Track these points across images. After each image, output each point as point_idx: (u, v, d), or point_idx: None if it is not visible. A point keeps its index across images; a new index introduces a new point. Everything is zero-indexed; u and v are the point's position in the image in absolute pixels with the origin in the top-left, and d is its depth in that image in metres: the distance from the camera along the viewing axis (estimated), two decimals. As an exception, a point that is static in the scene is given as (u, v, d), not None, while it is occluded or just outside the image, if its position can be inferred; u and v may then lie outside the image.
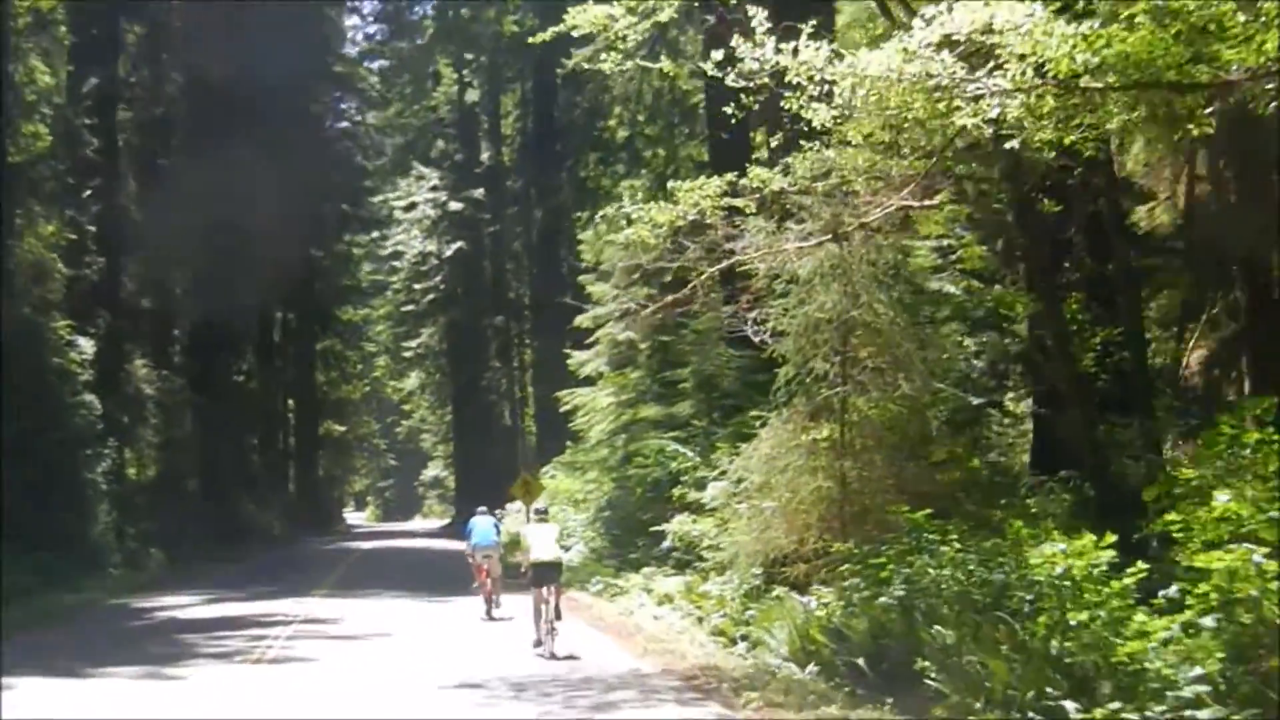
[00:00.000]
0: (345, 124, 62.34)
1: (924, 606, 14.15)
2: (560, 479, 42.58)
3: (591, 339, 37.99)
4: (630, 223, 19.75)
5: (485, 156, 65.43)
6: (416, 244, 63.94)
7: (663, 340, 33.01)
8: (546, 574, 17.58)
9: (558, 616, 17.72)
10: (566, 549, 26.23)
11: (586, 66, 33.48)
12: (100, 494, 35.36)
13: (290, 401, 75.39)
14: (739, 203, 18.87)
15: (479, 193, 62.17)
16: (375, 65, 72.42)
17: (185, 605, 26.08)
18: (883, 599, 14.61)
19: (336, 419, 79.93)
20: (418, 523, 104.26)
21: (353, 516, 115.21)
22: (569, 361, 38.92)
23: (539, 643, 17.73)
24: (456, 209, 61.18)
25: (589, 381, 38.15)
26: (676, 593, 22.35)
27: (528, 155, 63.52)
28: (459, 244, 61.66)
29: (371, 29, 76.02)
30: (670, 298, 20.60)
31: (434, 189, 62.38)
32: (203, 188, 44.84)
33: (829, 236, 18.89)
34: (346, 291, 71.11)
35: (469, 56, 63.19)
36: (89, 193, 40.51)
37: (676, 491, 24.45)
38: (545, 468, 46.87)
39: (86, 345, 36.55)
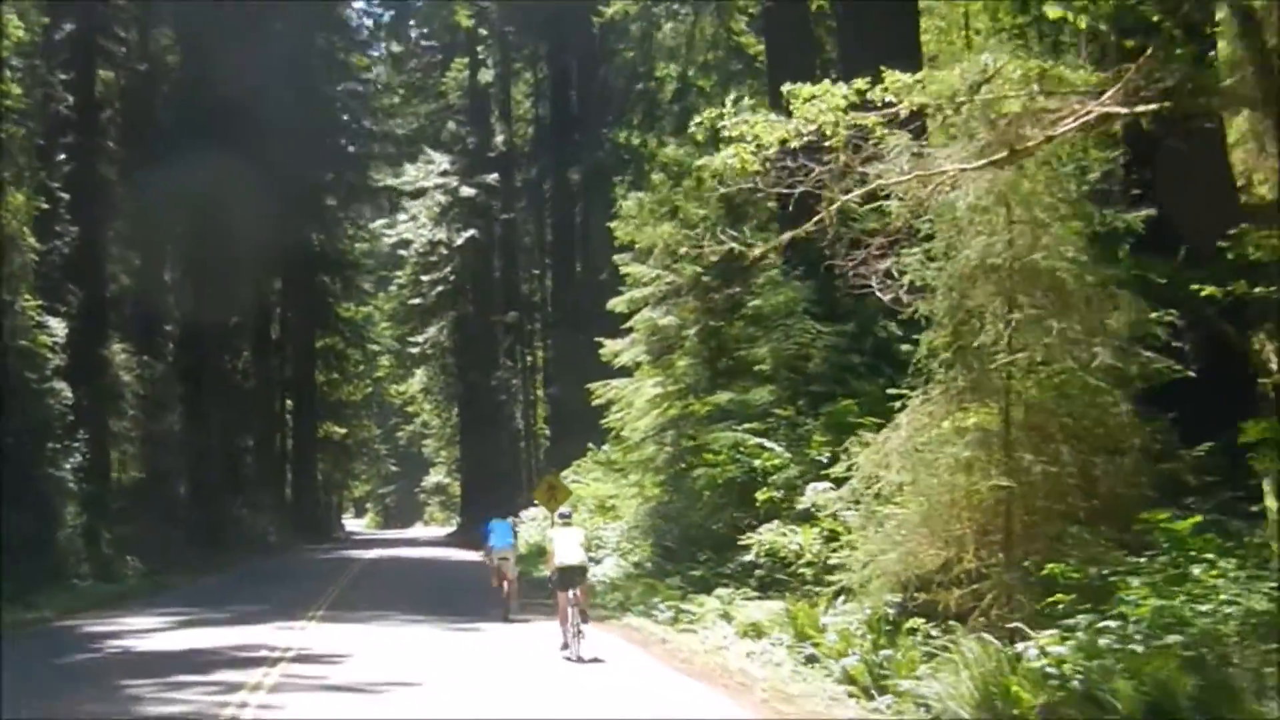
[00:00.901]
0: (351, 85, 56.60)
1: (1212, 657, 9.25)
2: (587, 482, 37.57)
3: (626, 326, 32.89)
4: (729, 141, 14.58)
5: (499, 139, 60.10)
6: (425, 232, 58.66)
7: (714, 324, 28.03)
8: (571, 577, 17.14)
9: (584, 619, 17.09)
10: (596, 560, 25.92)
11: (631, 9, 28.44)
12: (67, 493, 30.35)
13: (289, 402, 70.24)
14: (873, 118, 14.01)
15: (492, 178, 57.01)
16: (381, 50, 67.41)
17: (150, 630, 20.72)
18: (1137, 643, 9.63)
19: (336, 421, 74.70)
20: (419, 530, 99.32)
21: (352, 523, 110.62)
22: (601, 351, 33.83)
23: (565, 645, 17.12)
24: (469, 195, 56.00)
25: (625, 373, 33.10)
26: (770, 622, 17.21)
27: (544, 138, 58.36)
28: (471, 231, 56.47)
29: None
30: (786, 235, 15.58)
31: (444, 174, 57.21)
32: (193, 158, 39.92)
33: (1004, 154, 13.86)
34: (346, 281, 65.90)
35: (483, 32, 57.91)
36: (63, 155, 35.24)
37: (762, 494, 19.32)
38: (565, 471, 42.05)
39: (57, 326, 31.51)
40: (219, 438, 50.18)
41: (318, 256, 67.62)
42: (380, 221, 65.22)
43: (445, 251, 58.62)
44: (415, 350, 62.91)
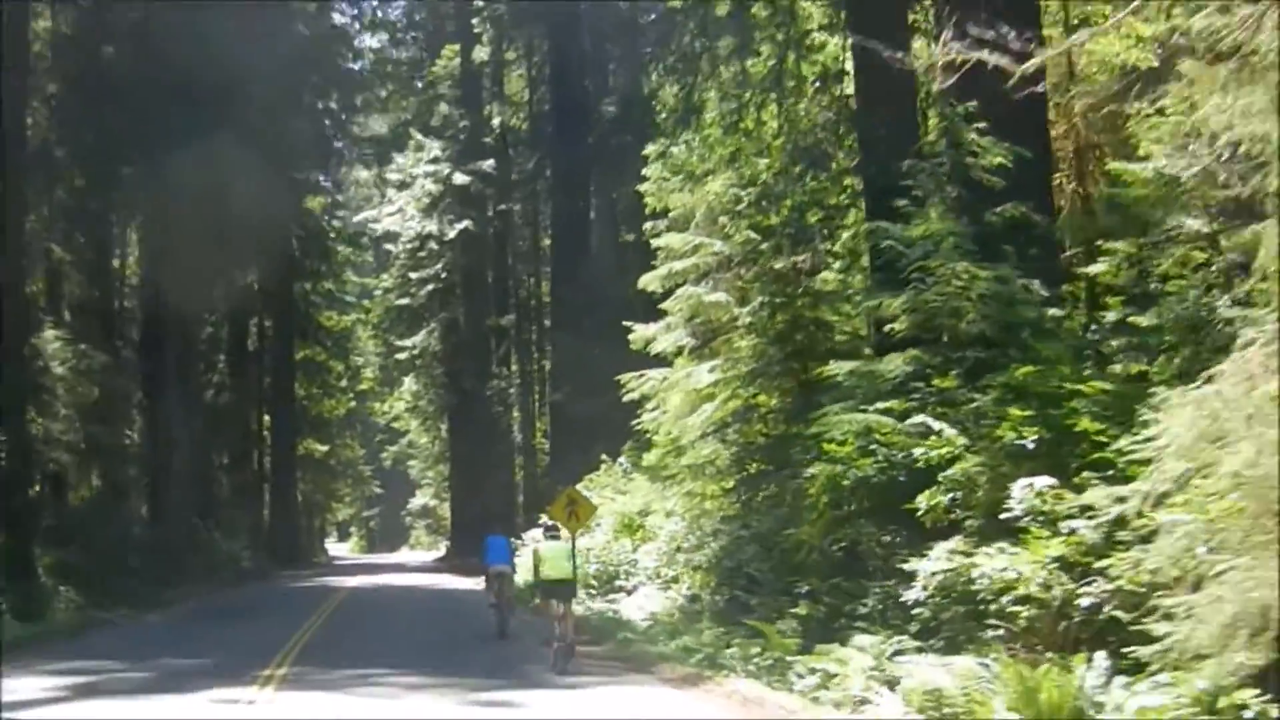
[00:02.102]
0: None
1: None
2: (610, 497, 31.17)
3: (662, 308, 26.53)
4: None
5: (496, 122, 53.10)
6: (414, 224, 51.71)
7: (784, 296, 21.72)
8: (557, 591, 16.84)
9: (575, 633, 16.67)
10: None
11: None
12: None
13: (266, 417, 63.33)
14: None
15: (488, 164, 50.17)
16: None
17: (21, 702, 13.37)
18: None
19: (317, 438, 67.77)
20: (406, 554, 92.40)
21: (335, 547, 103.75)
22: (631, 337, 27.35)
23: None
24: (462, 182, 49.17)
25: (660, 362, 26.77)
26: (964, 689, 10.68)
27: (545, 120, 51.65)
28: (465, 223, 49.53)
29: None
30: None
31: (435, 160, 50.40)
32: (156, 128, 33.56)
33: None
34: (330, 273, 59.21)
35: (479, 3, 51.08)
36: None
37: (928, 498, 12.79)
38: (578, 486, 35.72)
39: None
40: (188, 452, 43.32)
41: (296, 261, 61.02)
42: (364, 215, 58.36)
43: (436, 247, 51.75)
44: (403, 356, 55.69)
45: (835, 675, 12.18)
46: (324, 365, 66.11)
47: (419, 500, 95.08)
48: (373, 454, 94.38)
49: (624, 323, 27.93)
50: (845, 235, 22.86)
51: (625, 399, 26.88)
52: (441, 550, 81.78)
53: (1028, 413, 12.27)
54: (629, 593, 26.68)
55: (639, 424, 27.68)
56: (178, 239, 38.47)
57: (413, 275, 53.51)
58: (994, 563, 11.38)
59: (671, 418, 24.83)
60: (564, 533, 20.70)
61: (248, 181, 40.72)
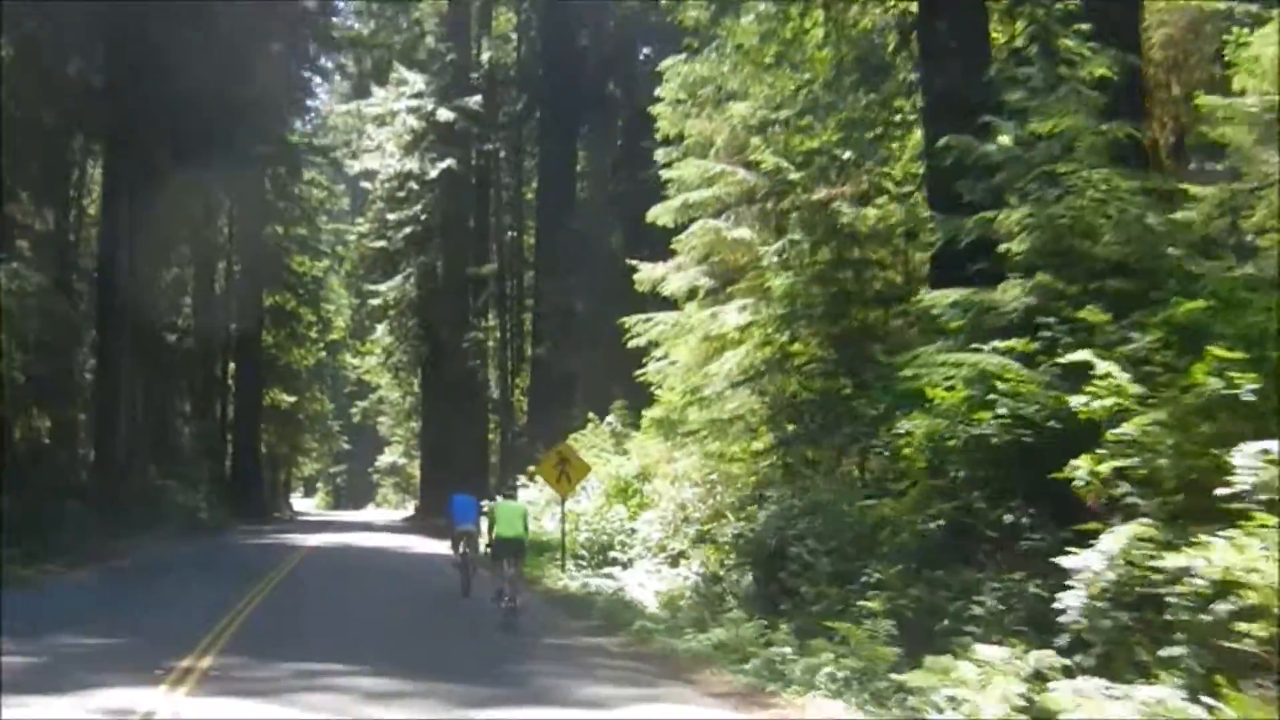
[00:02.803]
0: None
1: None
2: (605, 458, 27.72)
3: (675, 244, 23.00)
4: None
5: (484, 57, 48.78)
6: (393, 162, 47.57)
7: (823, 232, 18.24)
8: (507, 548, 16.86)
9: (516, 590, 16.50)
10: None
11: None
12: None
13: (231, 365, 59.34)
14: None
15: (474, 101, 46.12)
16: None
17: None
18: None
19: (284, 388, 63.76)
20: (372, 513, 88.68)
21: (301, 503, 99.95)
22: (635, 276, 23.76)
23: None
24: (446, 119, 45.10)
25: (668, 305, 23.30)
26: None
27: (537, 59, 47.62)
28: (448, 162, 45.44)
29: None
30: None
31: (418, 96, 46.28)
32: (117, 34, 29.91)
33: None
34: (301, 215, 55.19)
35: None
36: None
37: (1088, 462, 9.21)
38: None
39: None
40: (140, 395, 39.48)
41: (269, 204, 57.05)
42: (340, 151, 54.13)
43: (416, 187, 47.63)
44: (377, 302, 51.49)
45: (963, 700, 8.63)
46: (294, 313, 62.10)
47: (387, 458, 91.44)
48: (341, 409, 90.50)
49: (629, 261, 24.35)
50: (903, 158, 19.23)
51: (630, 345, 23.28)
52: (409, 510, 78.17)
53: (1237, 355, 8.70)
54: (624, 566, 23.19)
55: (641, 375, 24.08)
56: (141, 165, 34.61)
57: (390, 217, 49.32)
58: (1208, 557, 7.84)
59: (684, 368, 21.30)
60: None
61: (219, 106, 37.03)
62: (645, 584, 20.46)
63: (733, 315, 18.91)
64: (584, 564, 24.08)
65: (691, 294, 23.00)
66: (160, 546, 32.00)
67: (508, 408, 49.29)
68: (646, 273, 23.59)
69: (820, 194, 18.92)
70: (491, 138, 48.43)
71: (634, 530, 23.98)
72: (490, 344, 51.15)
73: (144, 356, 41.18)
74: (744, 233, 21.76)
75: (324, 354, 69.00)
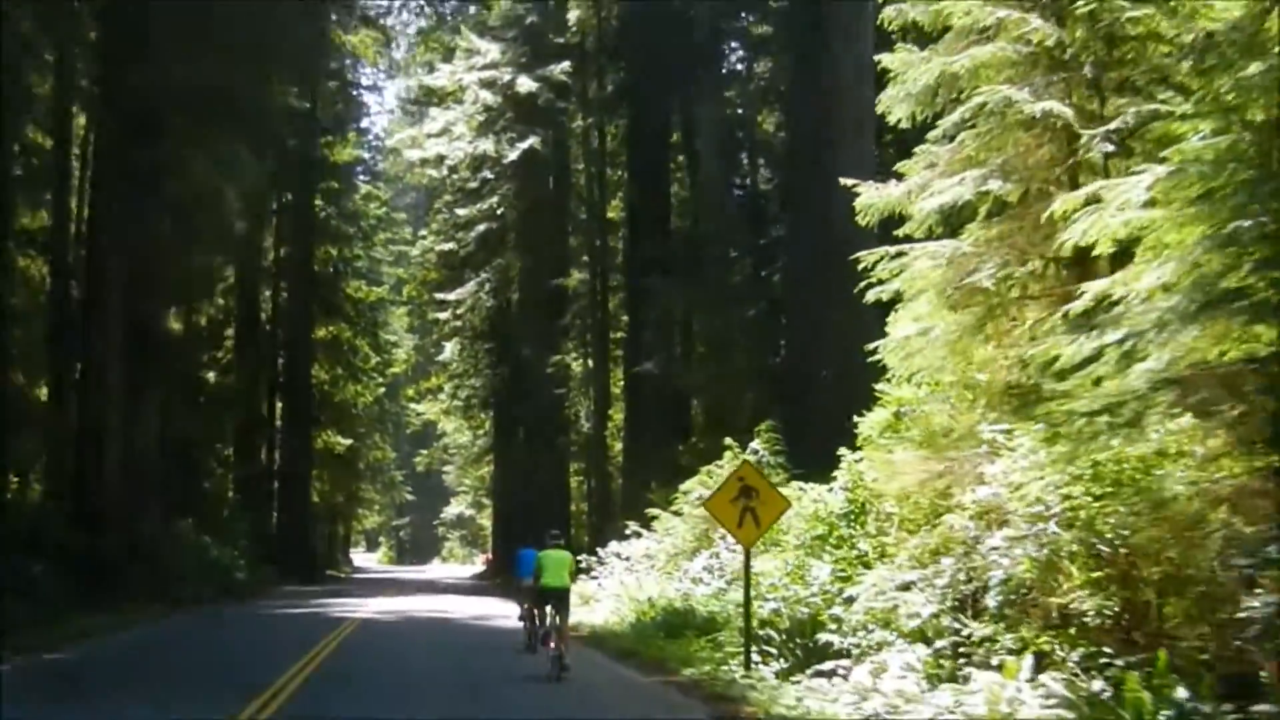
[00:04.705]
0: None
1: None
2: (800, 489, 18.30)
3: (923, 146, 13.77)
4: None
5: (572, 16, 38.86)
6: (463, 145, 38.40)
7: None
8: (552, 597, 15.92)
9: (564, 642, 15.48)
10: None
11: None
12: None
13: (278, 404, 50.50)
14: None
15: (562, 68, 36.69)
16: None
17: None
18: None
19: (338, 430, 54.78)
20: (437, 568, 79.80)
21: (362, 558, 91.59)
22: (858, 204, 14.38)
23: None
24: (529, 90, 35.79)
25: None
26: None
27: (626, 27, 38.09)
28: (530, 141, 36.19)
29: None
30: None
31: (492, 66, 37.10)
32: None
33: None
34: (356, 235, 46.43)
35: None
36: None
37: None
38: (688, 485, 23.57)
39: None
40: (158, 429, 30.65)
41: (316, 217, 48.59)
42: (401, 135, 45.12)
43: (491, 176, 38.43)
44: (444, 316, 41.88)
45: None
46: (349, 344, 53.26)
47: (454, 509, 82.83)
48: (404, 458, 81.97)
49: (845, 181, 15.02)
50: None
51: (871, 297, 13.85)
52: (477, 564, 69.29)
53: None
54: (845, 656, 13.79)
55: (873, 358, 14.58)
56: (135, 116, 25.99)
57: (460, 213, 40.05)
58: None
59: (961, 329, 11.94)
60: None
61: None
62: (916, 703, 11.12)
63: (1138, 189, 9.38)
64: (776, 655, 14.72)
65: (949, 215, 13.71)
66: (160, 620, 22.95)
67: (601, 444, 39.67)
68: (876, 194, 14.27)
69: None
70: (582, 114, 39.00)
71: (850, 599, 14.53)
72: (577, 369, 41.63)
73: (136, 372, 32.51)
74: (1052, 105, 12.53)
75: (383, 391, 60.10)
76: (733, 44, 40.23)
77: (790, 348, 32.04)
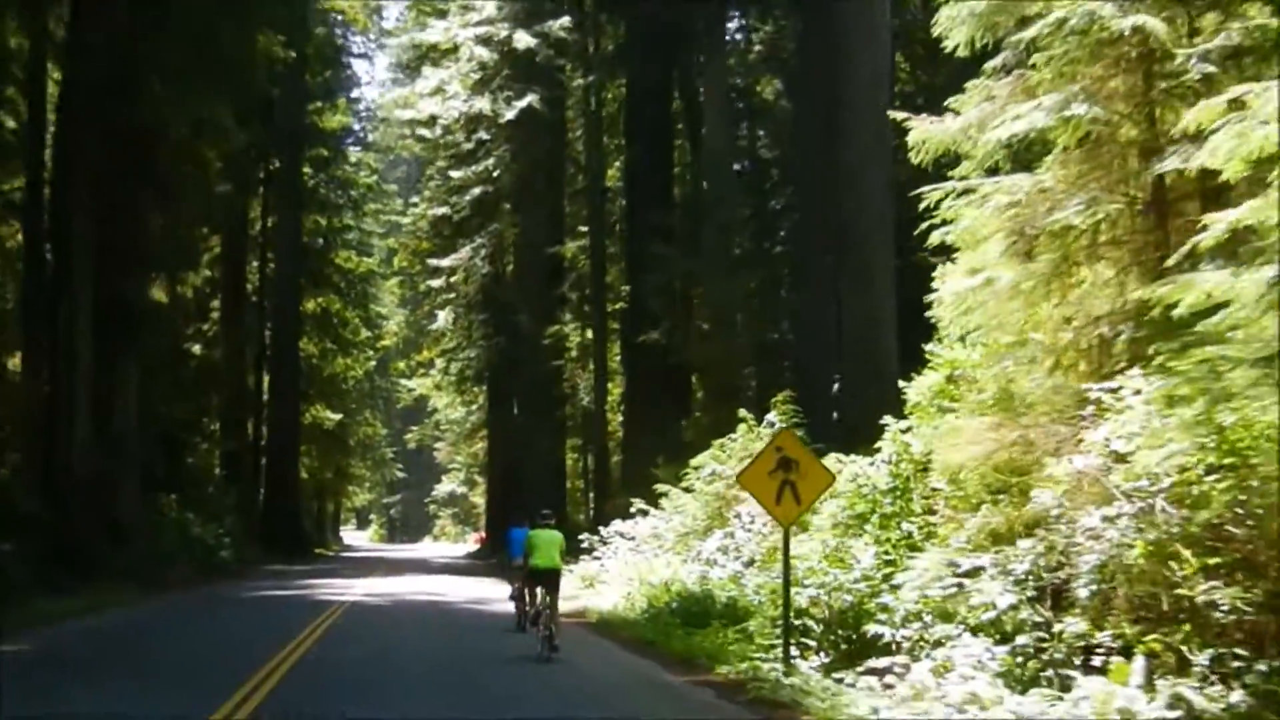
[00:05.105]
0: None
1: None
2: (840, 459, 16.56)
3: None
4: None
5: None
6: (458, 104, 36.52)
7: None
8: (543, 578, 15.57)
9: (555, 624, 15.11)
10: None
11: None
12: None
13: (265, 377, 48.68)
14: None
15: (561, 24, 34.74)
16: None
17: None
18: None
19: (327, 405, 52.94)
20: (429, 547, 77.86)
21: (352, 535, 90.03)
22: (910, 138, 12.66)
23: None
24: (527, 45, 33.83)
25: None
26: None
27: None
28: (528, 99, 34.24)
29: None
30: None
31: (488, 22, 35.15)
32: None
33: None
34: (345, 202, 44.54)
35: None
36: None
37: None
38: (701, 459, 21.99)
39: None
40: (137, 402, 28.83)
41: (305, 186, 46.75)
42: (394, 94, 43.16)
43: (487, 137, 36.50)
44: (438, 283, 39.92)
45: None
46: (338, 316, 51.39)
47: (445, 486, 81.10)
48: (396, 435, 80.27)
49: (893, 115, 13.29)
50: None
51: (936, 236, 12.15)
52: (470, 542, 67.54)
53: None
54: (894, 650, 12.16)
55: (929, 313, 12.85)
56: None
57: (454, 175, 38.02)
58: None
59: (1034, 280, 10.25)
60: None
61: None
62: (996, 707, 9.50)
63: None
64: (815, 648, 13.07)
65: (1017, 155, 12.05)
66: (128, 604, 21.17)
67: (601, 419, 37.80)
68: (930, 129, 12.54)
69: None
70: (582, 73, 36.97)
71: (897, 586, 12.91)
72: (575, 339, 39.74)
73: (147, 357, 30.70)
74: (1147, 23, 10.85)
75: (373, 365, 58.23)
76: (732, 12, 38.34)
77: (801, 318, 30.46)
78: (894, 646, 12.65)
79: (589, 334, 38.92)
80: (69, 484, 23.53)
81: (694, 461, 22.58)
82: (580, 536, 27.02)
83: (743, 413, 22.66)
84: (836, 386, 27.61)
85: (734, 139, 36.30)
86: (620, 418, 39.94)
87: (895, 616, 12.66)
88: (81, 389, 24.00)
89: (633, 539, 24.19)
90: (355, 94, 55.13)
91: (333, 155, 50.47)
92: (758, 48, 40.00)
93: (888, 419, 14.52)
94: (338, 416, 53.65)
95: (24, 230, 27.53)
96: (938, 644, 12.00)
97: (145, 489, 30.12)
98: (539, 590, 15.77)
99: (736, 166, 36.98)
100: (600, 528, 26.27)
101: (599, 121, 38.48)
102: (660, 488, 23.49)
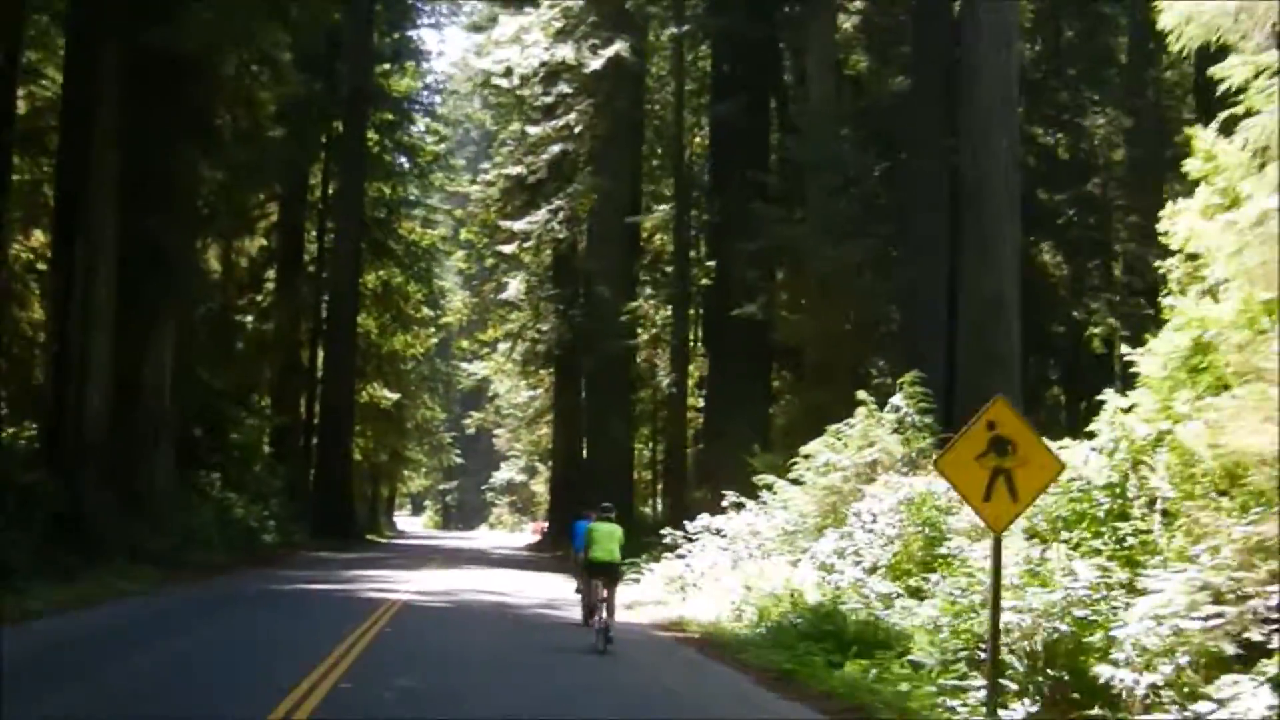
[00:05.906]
0: None
1: None
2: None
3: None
4: None
5: None
6: (537, 53, 32.84)
7: None
8: (602, 572, 15.45)
9: (611, 617, 15.05)
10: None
11: None
12: None
13: (320, 351, 45.70)
14: None
15: None
16: None
17: None
18: None
19: (384, 383, 49.90)
20: (485, 535, 74.80)
21: (406, 521, 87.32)
22: (1168, 16, 9.03)
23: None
24: None
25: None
26: None
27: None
28: (615, 47, 30.49)
29: None
30: None
31: None
32: None
33: None
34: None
35: None
36: None
37: None
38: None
39: None
40: (173, 365, 25.75)
41: (369, 151, 43.67)
42: (468, 42, 40.01)
43: (569, 90, 32.96)
44: (510, 249, 36.40)
45: None
46: (400, 290, 48.23)
47: (504, 474, 77.90)
48: (454, 421, 77.28)
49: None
50: None
51: None
52: (527, 532, 64.41)
53: None
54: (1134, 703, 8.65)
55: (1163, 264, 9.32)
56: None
57: (531, 132, 34.51)
58: None
59: None
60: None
61: None
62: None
63: None
64: (1016, 692, 9.64)
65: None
66: (138, 594, 17.97)
67: (681, 403, 34.17)
68: (1201, 4, 9.00)
69: None
70: (674, 21, 33.12)
71: (1130, 606, 9.48)
72: (654, 316, 36.19)
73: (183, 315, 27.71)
74: None
75: (434, 343, 55.12)
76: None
77: (910, 294, 27.04)
78: (1124, 696, 9.25)
79: (668, 310, 35.36)
80: (78, 452, 20.32)
81: (804, 449, 19.11)
82: (663, 531, 23.70)
83: (863, 394, 19.17)
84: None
85: (840, 100, 32.91)
86: (699, 403, 36.46)
87: (1132, 654, 9.21)
88: (98, 344, 20.77)
89: (725, 536, 20.76)
90: (424, 66, 51.84)
91: (399, 120, 47.45)
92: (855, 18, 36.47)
93: (1107, 392, 10.95)
94: (395, 396, 50.51)
95: (55, 166, 24.55)
96: (1195, 695, 8.63)
97: (182, 464, 27.17)
98: (596, 584, 15.62)
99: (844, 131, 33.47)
100: (684, 522, 22.80)
101: (681, 76, 34.85)
102: (761, 479, 20.06)
